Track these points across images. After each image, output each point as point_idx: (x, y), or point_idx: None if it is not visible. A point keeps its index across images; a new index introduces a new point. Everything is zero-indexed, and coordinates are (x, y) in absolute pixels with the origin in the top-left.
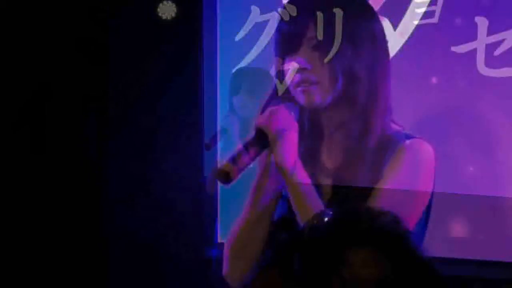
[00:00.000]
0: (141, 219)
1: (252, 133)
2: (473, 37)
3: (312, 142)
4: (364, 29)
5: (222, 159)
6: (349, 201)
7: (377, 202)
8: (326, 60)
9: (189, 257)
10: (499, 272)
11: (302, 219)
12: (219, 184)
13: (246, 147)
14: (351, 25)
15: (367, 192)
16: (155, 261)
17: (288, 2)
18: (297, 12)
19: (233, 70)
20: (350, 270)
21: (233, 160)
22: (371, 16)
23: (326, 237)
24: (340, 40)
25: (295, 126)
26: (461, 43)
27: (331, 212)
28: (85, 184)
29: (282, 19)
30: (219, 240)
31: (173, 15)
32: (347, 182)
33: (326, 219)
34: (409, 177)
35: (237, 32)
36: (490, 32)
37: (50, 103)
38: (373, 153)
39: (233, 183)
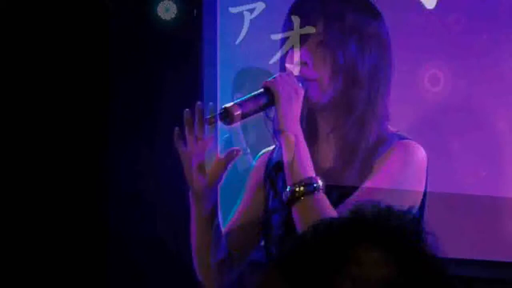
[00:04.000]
0: (141, 219)
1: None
2: (473, 36)
3: (307, 141)
4: (371, 32)
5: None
6: (343, 201)
7: (359, 198)
8: (328, 58)
9: (189, 257)
10: (499, 272)
11: (291, 179)
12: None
13: (252, 98)
14: (359, 27)
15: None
16: (155, 261)
17: None
18: (308, 7)
19: (237, 71)
20: (361, 269)
21: (239, 104)
22: (378, 18)
23: (336, 234)
24: (346, 41)
25: (300, 92)
26: (461, 43)
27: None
28: (85, 183)
29: (293, 11)
30: None
31: (173, 15)
32: (341, 182)
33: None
34: (396, 174)
35: (237, 32)
36: (490, 32)
37: (50, 103)
38: (367, 154)
39: (234, 169)
